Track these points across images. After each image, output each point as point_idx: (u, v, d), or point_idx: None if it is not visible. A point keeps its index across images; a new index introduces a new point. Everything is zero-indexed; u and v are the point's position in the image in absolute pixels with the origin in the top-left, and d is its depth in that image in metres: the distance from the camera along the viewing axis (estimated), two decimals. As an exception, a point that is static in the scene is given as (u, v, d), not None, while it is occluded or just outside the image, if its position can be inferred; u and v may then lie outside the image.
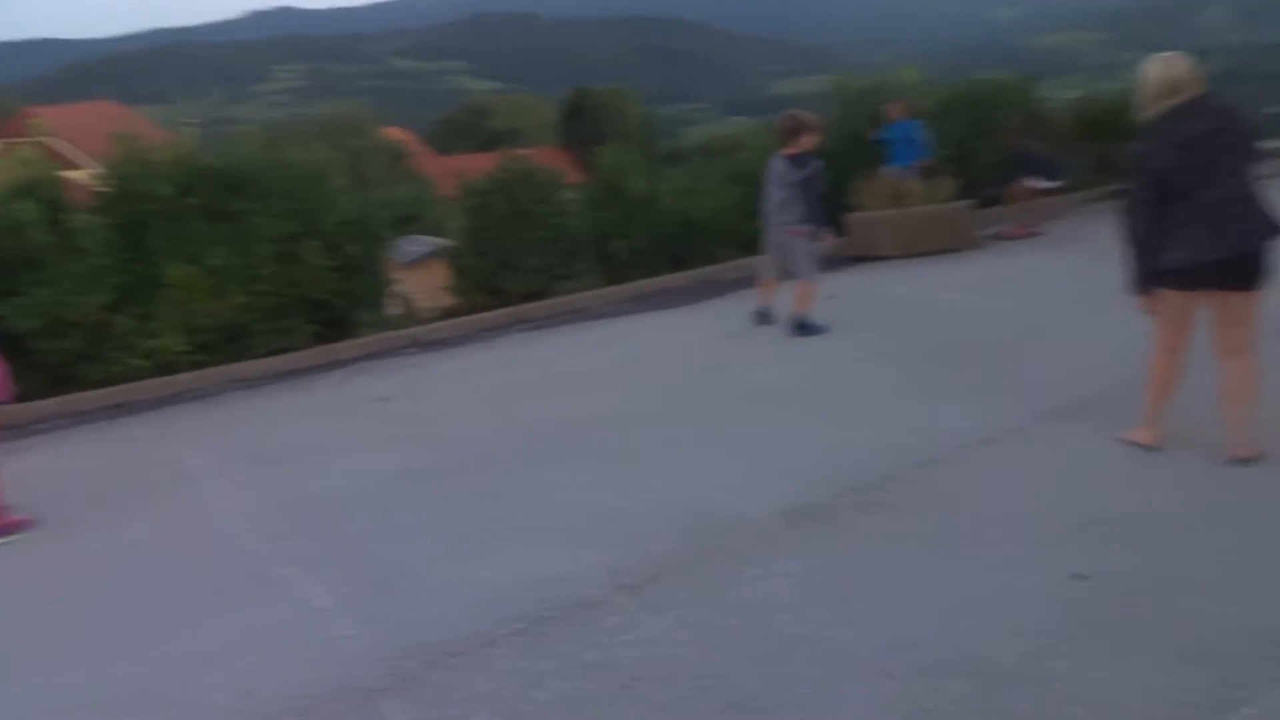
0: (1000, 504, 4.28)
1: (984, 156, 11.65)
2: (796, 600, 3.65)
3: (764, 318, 7.52)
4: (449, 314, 9.21)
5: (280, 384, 7.64)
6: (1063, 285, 7.98)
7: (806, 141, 7.20)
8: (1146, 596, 3.49)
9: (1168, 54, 4.46)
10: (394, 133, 51.85)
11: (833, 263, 9.88)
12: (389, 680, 3.37)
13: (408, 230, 17.95)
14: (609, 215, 9.79)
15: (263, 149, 8.91)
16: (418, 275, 13.12)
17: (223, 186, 8.23)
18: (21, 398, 6.32)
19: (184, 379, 7.83)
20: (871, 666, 3.21)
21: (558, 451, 5.41)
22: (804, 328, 7.16)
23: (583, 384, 6.64)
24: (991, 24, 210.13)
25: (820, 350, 6.82)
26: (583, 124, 50.74)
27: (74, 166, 17.55)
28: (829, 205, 10.67)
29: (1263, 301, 4.40)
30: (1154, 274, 4.42)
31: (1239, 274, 4.35)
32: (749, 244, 10.44)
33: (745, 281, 9.33)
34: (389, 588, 4.04)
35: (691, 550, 4.10)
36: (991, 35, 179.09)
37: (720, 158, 12.47)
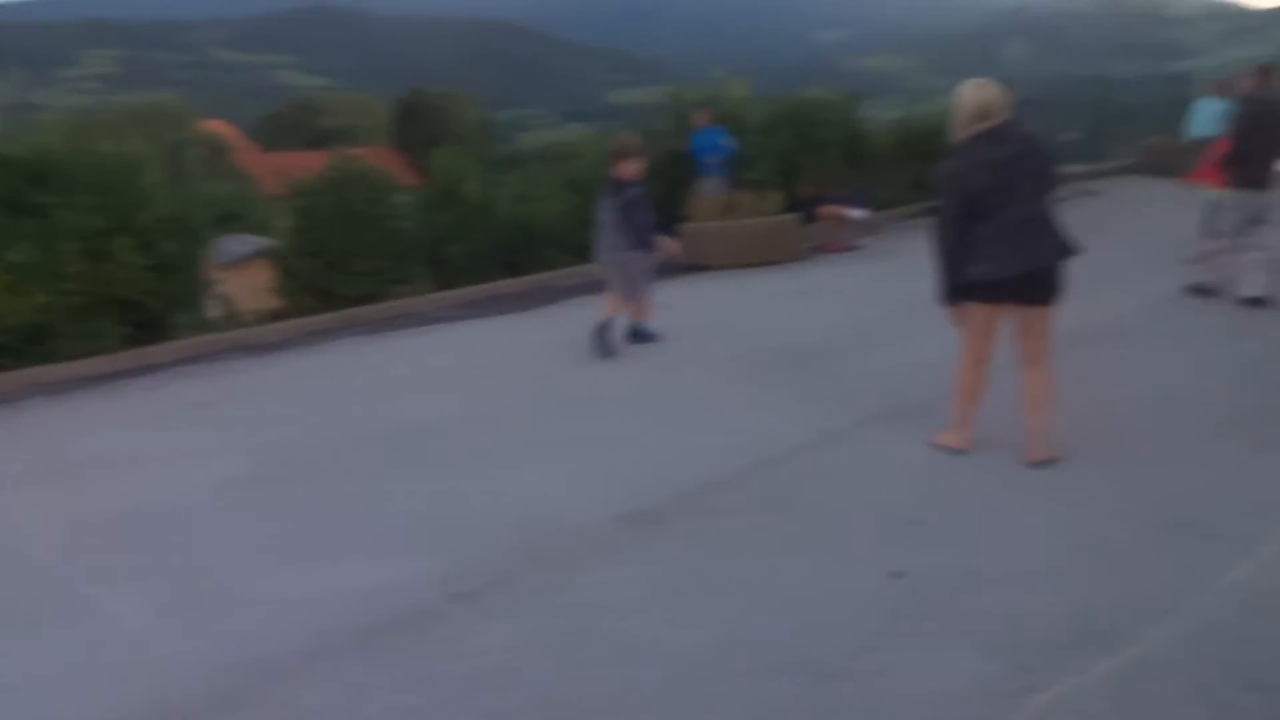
0: (825, 505, 4.47)
1: (810, 171, 12.11)
2: (631, 604, 3.70)
3: (605, 330, 7.29)
4: (275, 317, 8.87)
5: (89, 389, 7.17)
6: (882, 296, 8.39)
7: (627, 169, 6.96)
8: (956, 591, 3.72)
9: (981, 80, 4.69)
10: (216, 126, 49.50)
11: (666, 272, 10.07)
12: (209, 699, 3.23)
13: (230, 229, 17.16)
14: (444, 219, 9.65)
15: (69, 138, 8.34)
16: (241, 276, 12.57)
17: (23, 177, 7.66)
18: None
19: (-22, 384, 7.25)
20: (704, 668, 3.29)
21: (389, 458, 5.30)
22: (638, 335, 7.24)
23: (415, 389, 6.52)
24: (816, 45, 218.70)
25: (653, 357, 6.94)
26: (417, 125, 49.80)
27: None
28: (663, 215, 10.93)
29: (1056, 315, 4.73)
30: (961, 287, 4.69)
31: (1037, 289, 4.65)
32: (585, 250, 10.50)
33: (581, 288, 9.40)
34: (207, 603, 3.87)
35: (525, 556, 4.09)
36: (817, 55, 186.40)
37: (558, 164, 12.51)
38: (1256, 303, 7.71)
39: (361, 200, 9.41)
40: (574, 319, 8.17)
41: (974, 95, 4.61)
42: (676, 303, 8.59)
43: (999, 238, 4.57)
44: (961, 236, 4.64)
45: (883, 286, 8.77)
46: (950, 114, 4.75)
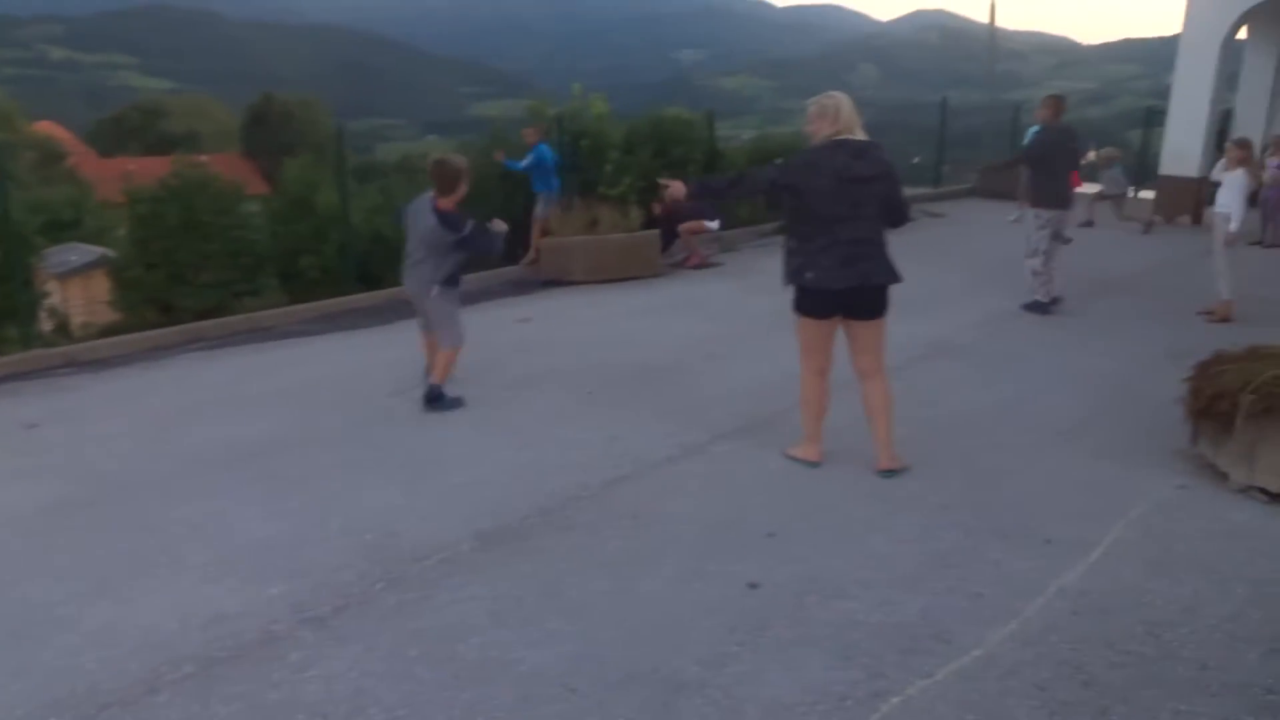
0: (683, 519, 4.50)
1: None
2: (487, 623, 3.64)
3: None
4: (111, 331, 8.39)
5: (-104, 409, 6.60)
6: (738, 312, 8.54)
7: (463, 192, 6.02)
8: (811, 600, 3.80)
9: (835, 92, 4.80)
10: (47, 128, 46.68)
11: (525, 286, 10.02)
12: (29, 741, 3.00)
13: (63, 238, 16.22)
14: (296, 230, 9.33)
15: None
16: (75, 287, 11.88)
17: None
18: None
19: None
20: (560, 684, 3.26)
21: (232, 480, 5.06)
22: (438, 400, 6.07)
23: (261, 407, 6.26)
24: (676, 64, 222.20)
25: (507, 374, 6.86)
26: (268, 133, 48.08)
27: None
28: (521, 228, 10.87)
29: (884, 330, 4.91)
30: (797, 298, 4.88)
31: (861, 304, 4.79)
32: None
33: (439, 302, 9.24)
34: (32, 635, 3.61)
35: (379, 579, 3.97)
36: (677, 74, 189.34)
37: (416, 176, 12.28)
38: (1037, 307, 8.56)
39: (207, 209, 9.02)
40: (432, 333, 8.03)
41: (825, 106, 4.71)
42: (536, 316, 8.54)
43: (830, 250, 4.69)
44: (800, 243, 4.78)
45: (739, 302, 8.93)
46: (805, 123, 4.89)
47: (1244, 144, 8.64)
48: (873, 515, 4.55)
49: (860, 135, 4.71)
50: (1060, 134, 8.61)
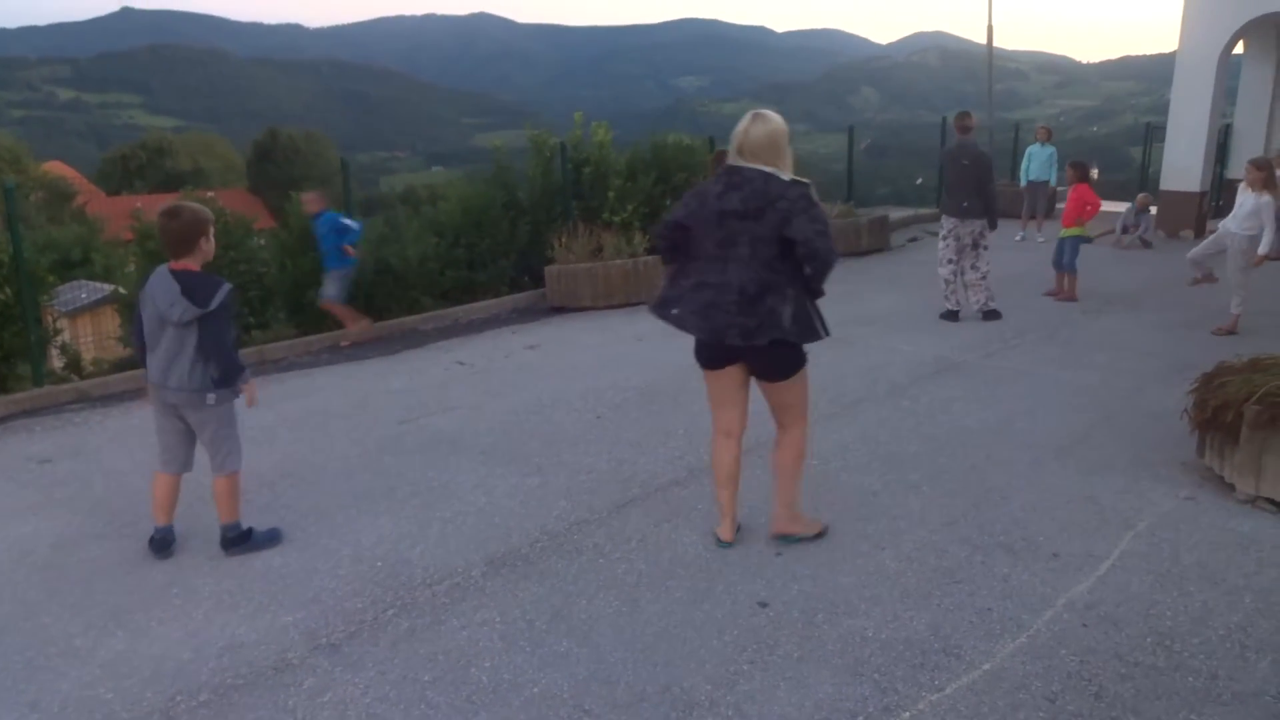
0: (690, 541, 4.52)
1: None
2: (499, 647, 3.66)
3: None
4: (122, 366, 8.45)
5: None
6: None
7: (206, 250, 4.43)
8: (820, 618, 3.81)
9: (762, 111, 4.05)
10: (55, 168, 47.13)
11: (532, 313, 10.09)
12: (46, 772, 3.03)
13: (72, 275, 16.37)
14: (303, 262, 9.42)
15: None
16: (85, 324, 11.97)
17: None
18: None
19: None
20: (572, 705, 3.28)
21: (243, 510, 5.06)
22: (238, 541, 4.55)
23: (270, 439, 6.31)
24: (677, 90, 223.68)
25: (516, 400, 6.91)
26: (274, 167, 48.56)
27: None
28: (529, 256, 10.96)
29: (794, 393, 4.20)
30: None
31: (750, 360, 4.09)
32: (450, 294, 10.45)
33: (445, 332, 9.32)
34: (48, 666, 3.64)
35: (391, 605, 4.00)
36: (678, 101, 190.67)
37: (424, 207, 12.38)
38: (951, 316, 8.97)
39: (216, 244, 9.08)
40: (439, 363, 8.09)
41: (739, 125, 3.99)
42: (545, 343, 8.60)
43: (696, 292, 4.01)
44: (677, 274, 4.12)
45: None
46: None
47: (1263, 164, 8.46)
48: (879, 533, 4.57)
49: (762, 163, 3.90)
50: (957, 150, 9.09)
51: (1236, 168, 13.93)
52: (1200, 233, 14.08)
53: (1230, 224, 8.42)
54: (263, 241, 10.38)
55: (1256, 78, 15.86)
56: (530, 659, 3.57)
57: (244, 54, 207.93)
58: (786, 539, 4.38)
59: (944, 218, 9.23)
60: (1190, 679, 3.39)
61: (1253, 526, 4.60)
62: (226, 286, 4.35)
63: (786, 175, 3.90)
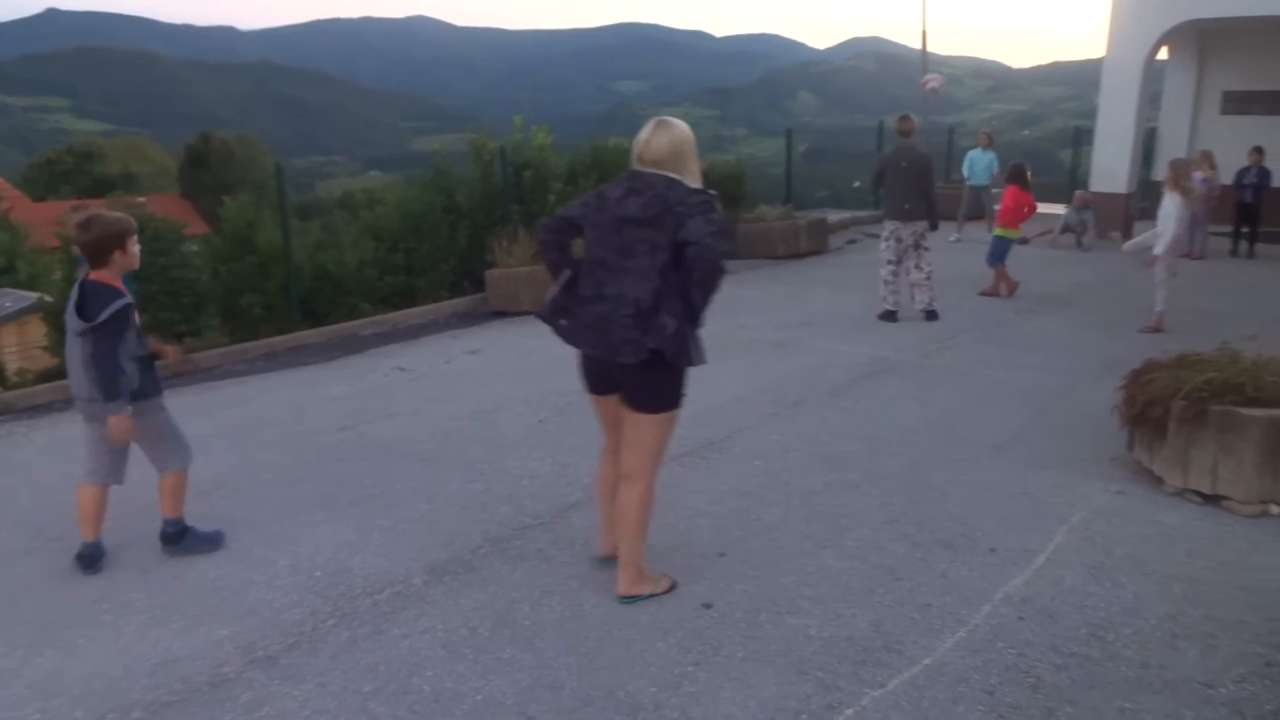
0: (634, 543, 4.51)
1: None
2: (441, 655, 3.62)
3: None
4: (49, 376, 8.20)
5: None
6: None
7: (123, 262, 4.27)
8: (764, 618, 3.83)
9: (665, 118, 3.84)
10: (-24, 173, 45.69)
11: (473, 318, 10.02)
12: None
13: (-4, 283, 15.87)
14: (238, 268, 9.24)
15: None
16: (10, 334, 11.63)
17: None
18: None
19: None
20: (516, 713, 3.25)
21: (180, 521, 4.98)
22: (176, 538, 4.53)
23: (205, 449, 6.12)
24: (617, 95, 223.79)
25: (457, 406, 6.84)
26: (207, 172, 47.56)
27: None
28: (469, 261, 10.87)
29: (653, 429, 3.82)
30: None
31: (623, 383, 3.79)
32: (389, 299, 10.33)
33: (385, 337, 9.21)
34: (-30, 690, 3.51)
35: (330, 615, 3.94)
36: (618, 105, 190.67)
37: (362, 212, 12.24)
38: (889, 317, 9.12)
39: (145, 250, 8.87)
40: (379, 369, 7.99)
41: (640, 135, 3.76)
42: (486, 348, 8.54)
43: (590, 303, 3.76)
44: (571, 282, 3.87)
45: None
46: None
47: (1176, 165, 8.72)
48: (821, 532, 4.61)
49: (666, 169, 3.68)
50: (897, 153, 9.25)
51: (1162, 170, 14.29)
52: (1128, 234, 14.46)
53: (1157, 224, 8.68)
54: (195, 248, 10.16)
55: (1179, 82, 16.33)
56: (473, 667, 3.54)
57: (175, 56, 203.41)
58: (633, 600, 3.94)
59: (886, 220, 9.39)
60: (1123, 668, 3.47)
61: (1181, 518, 4.72)
62: (121, 302, 4.18)
63: (692, 183, 3.69)
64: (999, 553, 4.37)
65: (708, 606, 3.93)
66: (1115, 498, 4.99)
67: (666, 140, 3.68)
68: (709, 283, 3.58)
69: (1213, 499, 4.87)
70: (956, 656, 3.56)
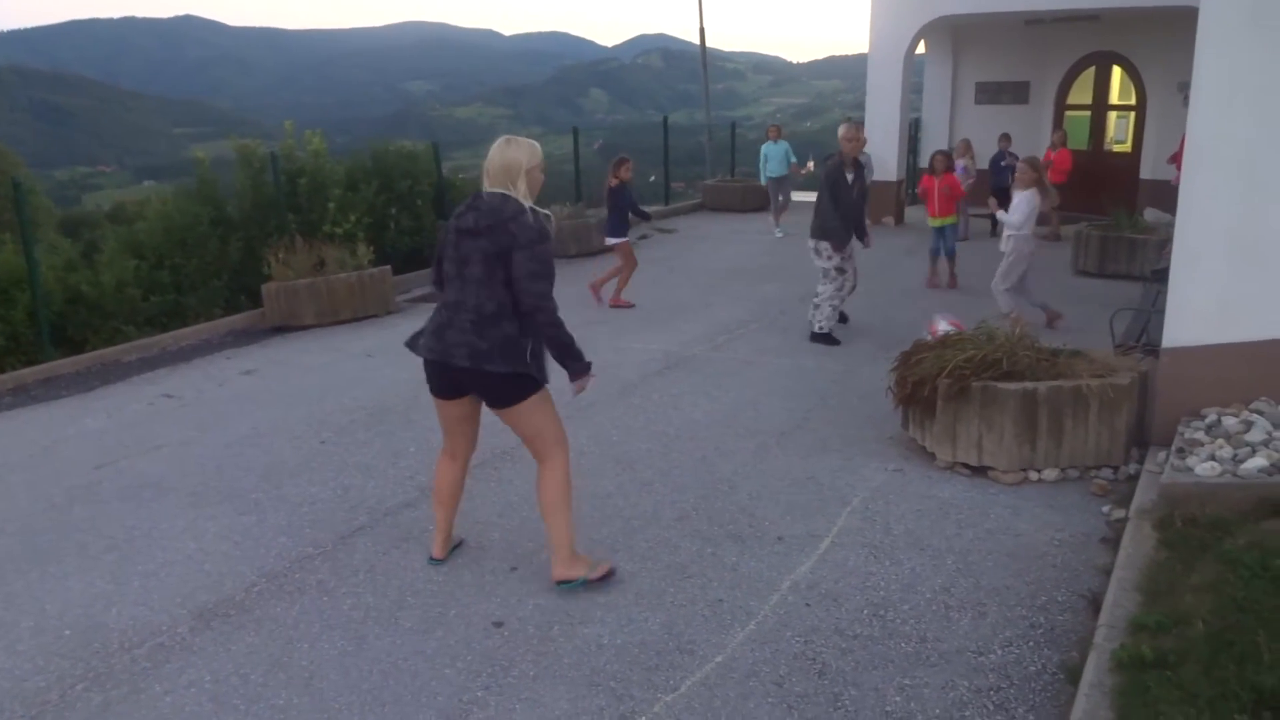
0: (422, 566, 4.33)
1: (399, 222, 11.97)
2: (208, 710, 3.34)
3: None
4: None
5: None
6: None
7: None
8: (556, 631, 3.74)
9: (513, 137, 3.99)
10: None
11: (250, 335, 9.45)
12: None
13: None
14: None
15: None
16: None
17: None
18: None
19: None
20: (290, 765, 3.03)
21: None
22: None
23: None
24: (407, 95, 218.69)
25: (230, 433, 6.41)
26: (-51, 189, 43.18)
27: None
28: (244, 275, 10.25)
29: (532, 420, 3.93)
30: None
31: (477, 387, 3.93)
32: (156, 320, 9.60)
33: (151, 362, 8.55)
34: None
35: (81, 679, 3.56)
36: (408, 105, 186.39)
37: (119, 228, 11.31)
38: (841, 318, 8.51)
39: None
40: (142, 398, 7.39)
41: (493, 151, 3.90)
42: (262, 368, 8.06)
43: (435, 314, 3.97)
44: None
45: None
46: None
47: (1034, 164, 8.54)
48: (614, 535, 4.57)
49: (498, 185, 3.83)
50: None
51: (926, 158, 15.13)
52: (900, 219, 15.29)
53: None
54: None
55: (938, 75, 17.37)
56: (244, 718, 3.28)
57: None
58: (569, 584, 4.01)
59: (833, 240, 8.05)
60: (902, 644, 3.58)
61: (952, 491, 4.96)
62: None
63: (526, 201, 3.84)
64: (786, 540, 4.45)
65: (498, 625, 3.81)
66: (893, 476, 5.19)
67: (499, 159, 3.86)
68: (538, 321, 3.83)
69: (980, 470, 5.14)
70: (746, 650, 3.58)
